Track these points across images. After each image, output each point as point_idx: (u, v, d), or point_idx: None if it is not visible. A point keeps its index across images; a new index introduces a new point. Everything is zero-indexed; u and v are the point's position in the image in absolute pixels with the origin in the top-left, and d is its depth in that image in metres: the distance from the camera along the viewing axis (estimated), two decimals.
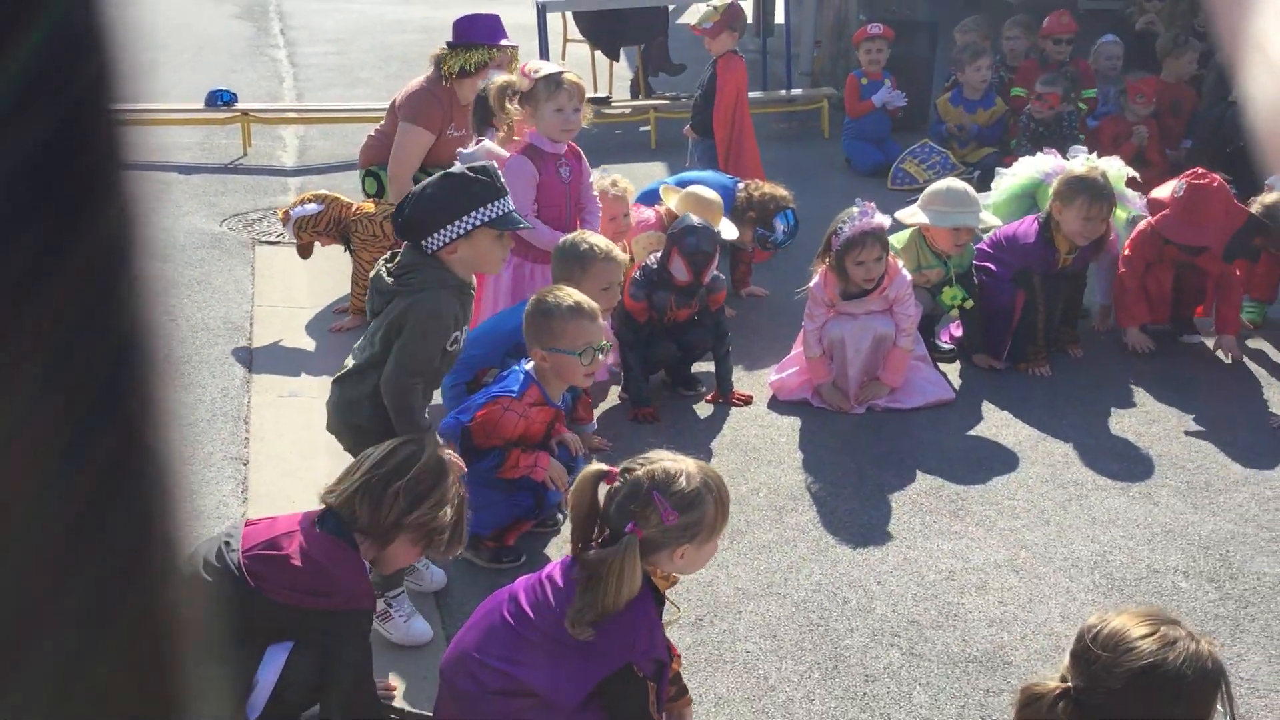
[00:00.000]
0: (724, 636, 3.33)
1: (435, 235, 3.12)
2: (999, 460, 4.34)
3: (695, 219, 4.63)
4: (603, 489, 2.53)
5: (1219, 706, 2.05)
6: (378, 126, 6.11)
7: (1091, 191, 4.84)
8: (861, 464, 4.31)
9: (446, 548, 2.76)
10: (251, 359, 5.00)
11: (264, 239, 6.66)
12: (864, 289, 4.56)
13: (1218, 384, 5.02)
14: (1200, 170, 5.07)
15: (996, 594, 3.54)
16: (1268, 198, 5.09)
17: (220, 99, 8.46)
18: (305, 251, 5.55)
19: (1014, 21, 8.20)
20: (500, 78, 4.54)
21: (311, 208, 5.36)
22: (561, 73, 4.38)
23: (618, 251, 4.06)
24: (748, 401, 4.72)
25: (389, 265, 3.24)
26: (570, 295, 3.48)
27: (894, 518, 3.94)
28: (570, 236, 4.11)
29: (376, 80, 11.06)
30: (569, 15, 9.92)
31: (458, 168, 3.35)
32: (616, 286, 4.08)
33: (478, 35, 5.62)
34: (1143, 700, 2.03)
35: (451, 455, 2.93)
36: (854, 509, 4.00)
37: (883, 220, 4.51)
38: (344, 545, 2.60)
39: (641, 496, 2.43)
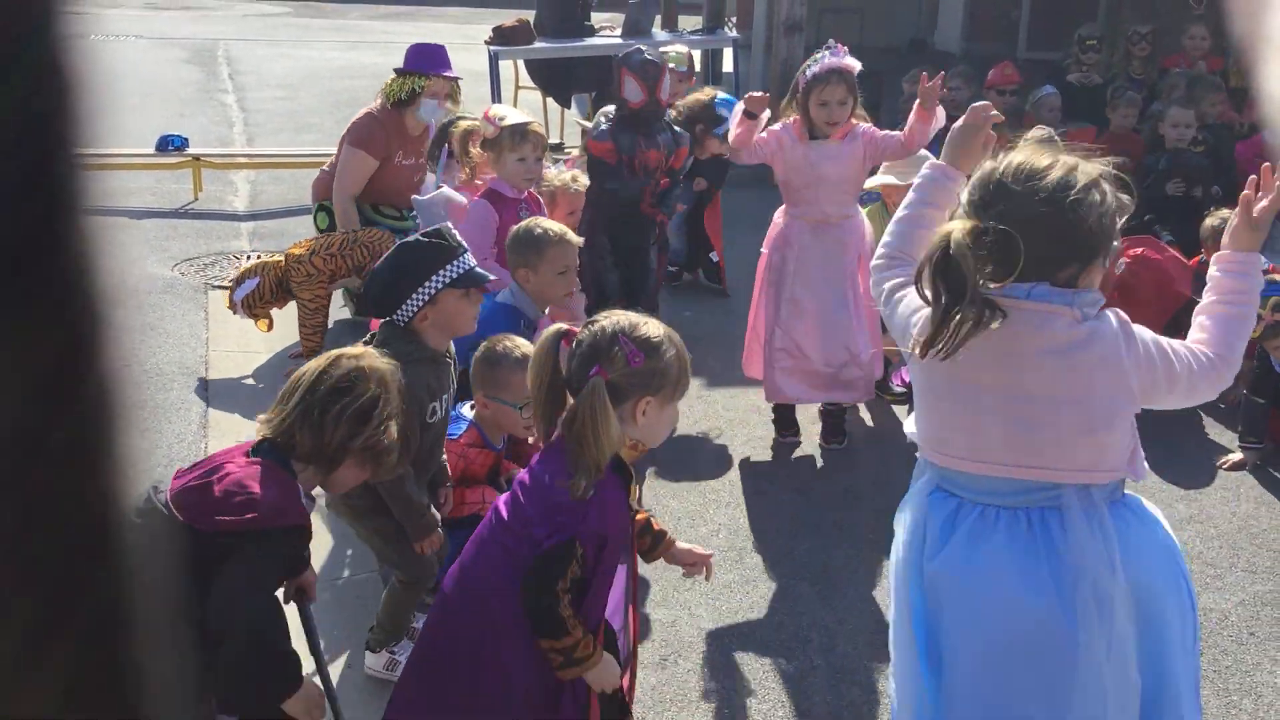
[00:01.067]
0: (688, 676, 3.36)
1: (402, 308, 3.11)
2: None
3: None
4: (564, 353, 2.47)
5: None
6: (330, 161, 6.14)
7: None
8: (819, 503, 4.37)
9: (396, 465, 2.68)
10: (208, 404, 4.98)
11: (216, 283, 6.63)
12: (826, 133, 4.47)
13: (1163, 422, 5.15)
14: (1140, 248, 5.25)
15: None
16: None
17: (171, 144, 8.44)
18: (267, 326, 5.55)
19: (956, 72, 8.40)
20: (464, 122, 4.59)
21: (249, 284, 5.37)
22: (527, 123, 4.44)
23: (571, 235, 4.04)
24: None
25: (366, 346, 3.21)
26: (520, 347, 3.45)
27: (852, 556, 4.00)
28: (523, 223, 4.08)
29: (327, 125, 11.08)
30: (520, 62, 10.02)
31: (411, 237, 3.34)
32: (573, 271, 4.04)
33: (422, 64, 5.72)
34: (1058, 222, 2.09)
35: None
36: (813, 548, 4.05)
37: (852, 62, 4.45)
38: (275, 467, 2.48)
39: (606, 340, 2.41)
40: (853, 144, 4.47)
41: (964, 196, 2.18)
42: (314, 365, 2.59)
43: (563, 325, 2.51)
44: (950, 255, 2.04)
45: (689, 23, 14.88)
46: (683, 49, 6.54)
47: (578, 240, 4.04)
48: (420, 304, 3.09)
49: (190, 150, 8.57)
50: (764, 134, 4.46)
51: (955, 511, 2.23)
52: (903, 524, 2.40)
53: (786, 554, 4.01)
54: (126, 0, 25.31)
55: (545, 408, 2.46)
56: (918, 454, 2.43)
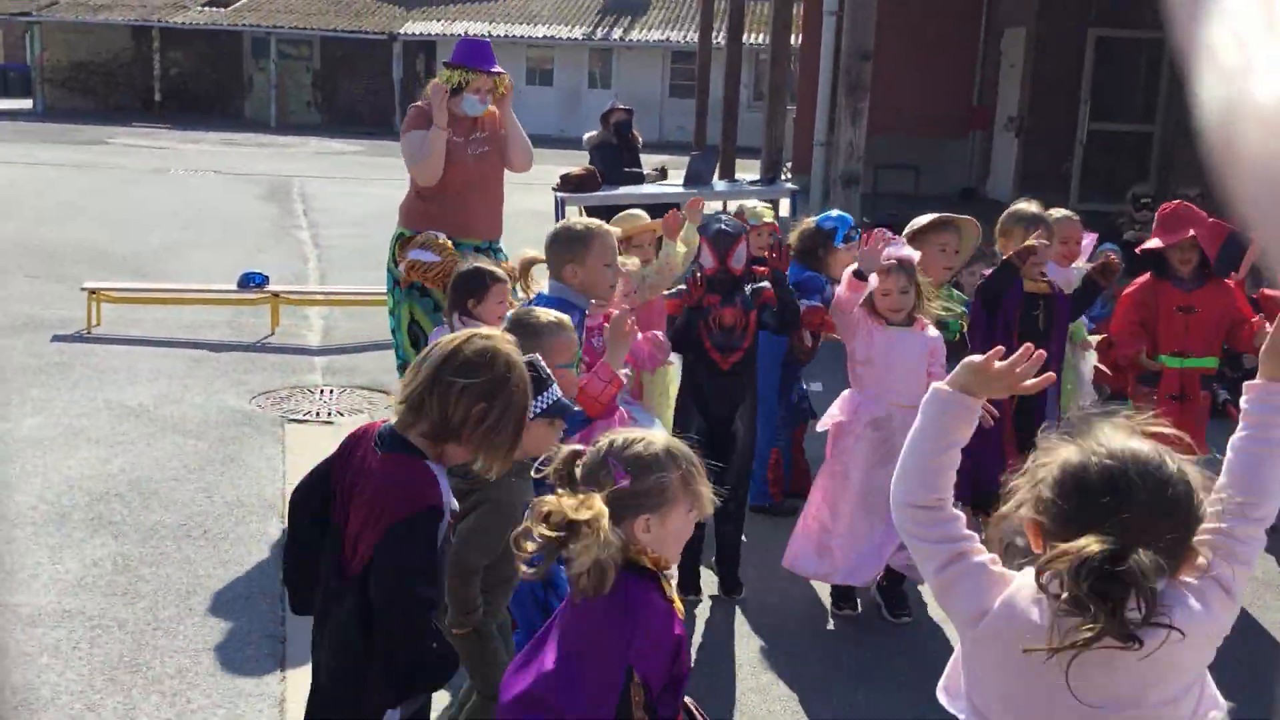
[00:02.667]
0: None
1: None
2: None
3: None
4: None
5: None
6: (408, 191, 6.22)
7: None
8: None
9: (505, 457, 2.64)
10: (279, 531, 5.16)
11: (293, 416, 6.88)
12: (891, 320, 4.53)
13: None
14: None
15: None
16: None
17: (253, 281, 8.81)
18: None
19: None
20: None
21: (428, 256, 5.44)
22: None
23: (609, 226, 4.16)
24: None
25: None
26: (542, 314, 3.52)
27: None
28: (561, 223, 4.23)
29: None
30: (583, 207, 10.41)
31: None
32: (617, 264, 4.05)
33: (467, 59, 5.82)
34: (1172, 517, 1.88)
35: None
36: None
37: (911, 253, 4.54)
38: (401, 458, 2.55)
39: (598, 461, 2.37)
40: (924, 337, 4.55)
41: (1051, 493, 1.93)
42: (447, 340, 2.63)
43: (577, 446, 2.49)
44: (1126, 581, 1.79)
45: (744, 167, 15.36)
46: (764, 204, 6.80)
47: (617, 230, 4.16)
48: None
49: (270, 287, 8.93)
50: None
51: None
52: None
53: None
54: (205, 136, 26.46)
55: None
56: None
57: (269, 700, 3.82)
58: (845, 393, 4.73)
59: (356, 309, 9.37)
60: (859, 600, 4.75)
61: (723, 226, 4.76)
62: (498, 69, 5.89)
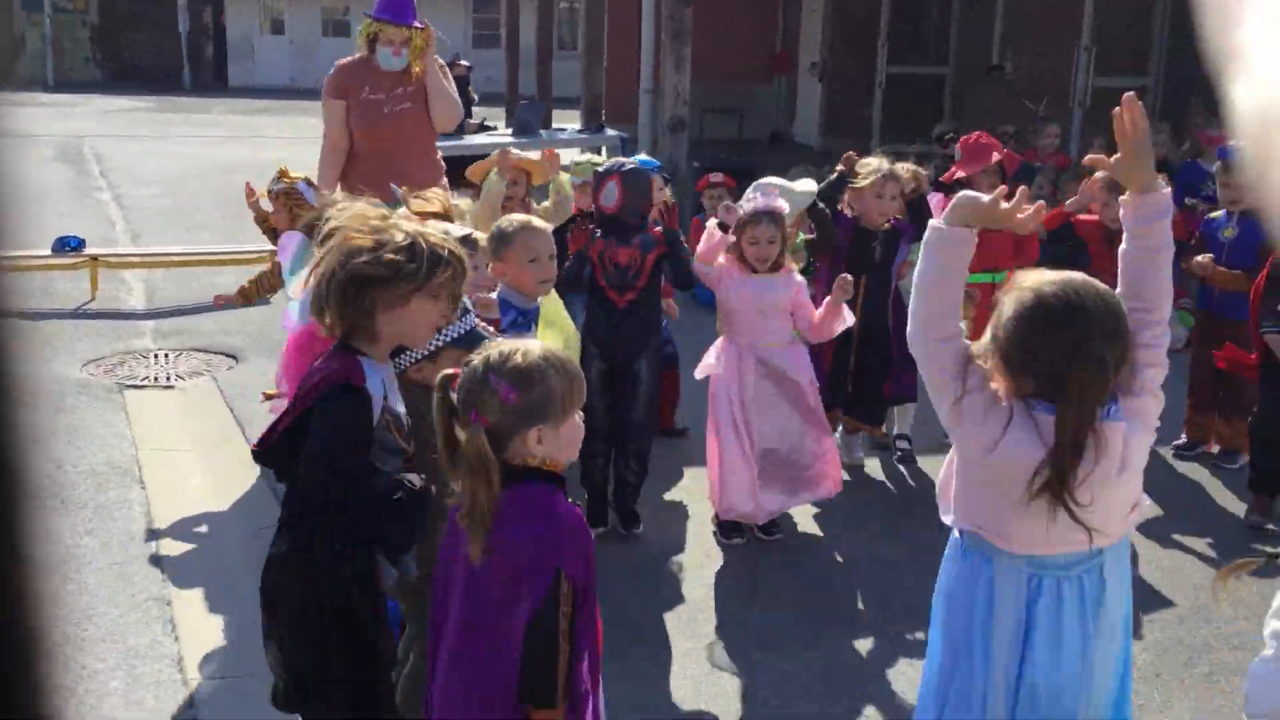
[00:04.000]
0: None
1: (400, 357, 3.11)
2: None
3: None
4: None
5: None
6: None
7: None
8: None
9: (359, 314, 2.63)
10: (149, 501, 5.03)
11: (130, 383, 6.65)
12: (757, 269, 4.69)
13: None
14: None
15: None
16: None
17: (68, 244, 8.41)
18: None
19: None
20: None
21: (310, 194, 5.25)
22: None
23: (538, 221, 4.14)
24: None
25: None
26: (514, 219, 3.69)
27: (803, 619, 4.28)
28: (499, 220, 4.23)
29: (217, 223, 11.11)
30: None
31: None
32: (544, 258, 4.03)
33: (381, 11, 5.70)
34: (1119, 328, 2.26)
35: None
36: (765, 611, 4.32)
37: (781, 204, 4.70)
38: (337, 353, 2.62)
39: (478, 382, 2.32)
40: (789, 283, 4.73)
41: (1008, 315, 2.28)
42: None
43: (449, 371, 2.43)
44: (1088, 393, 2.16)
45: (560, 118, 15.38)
46: (595, 158, 6.88)
47: (545, 225, 4.11)
48: (418, 358, 3.11)
49: (88, 251, 8.55)
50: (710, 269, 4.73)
51: (1037, 587, 2.37)
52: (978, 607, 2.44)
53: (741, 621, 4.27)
54: None
55: (452, 459, 2.37)
56: (958, 538, 2.53)
57: (166, 660, 3.76)
58: (718, 340, 4.87)
59: (177, 271, 9.07)
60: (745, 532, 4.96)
61: (633, 166, 4.81)
62: (417, 23, 5.74)
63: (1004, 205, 2.41)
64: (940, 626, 2.57)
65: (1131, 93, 2.40)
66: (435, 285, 2.62)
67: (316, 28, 32.28)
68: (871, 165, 5.42)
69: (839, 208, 5.46)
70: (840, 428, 5.57)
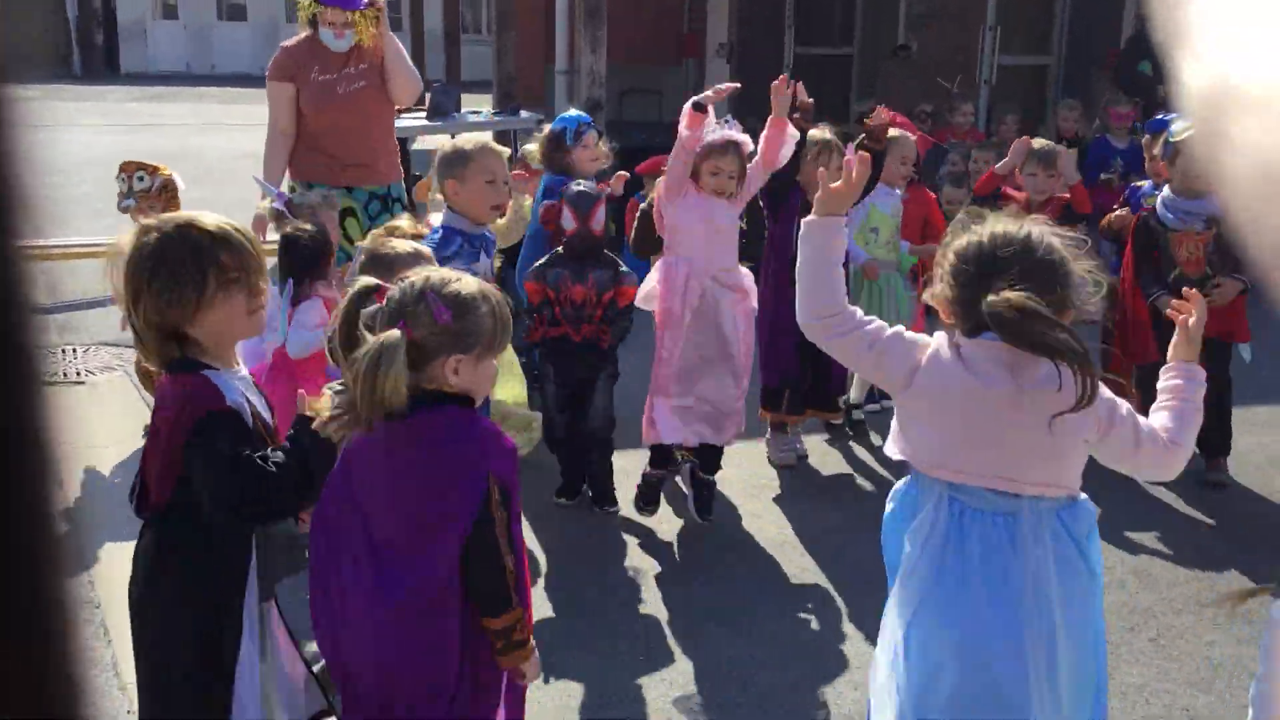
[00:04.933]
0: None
1: None
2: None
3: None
4: (374, 310, 2.37)
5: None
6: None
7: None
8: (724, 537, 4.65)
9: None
10: (69, 499, 4.85)
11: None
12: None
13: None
14: None
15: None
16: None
17: None
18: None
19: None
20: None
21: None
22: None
23: (495, 144, 4.16)
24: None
25: None
26: (398, 246, 3.44)
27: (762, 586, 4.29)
28: (449, 141, 4.15)
29: (117, 211, 10.74)
30: None
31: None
32: (501, 181, 3.96)
33: None
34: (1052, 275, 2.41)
35: None
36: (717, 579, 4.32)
37: (746, 139, 4.68)
38: (175, 377, 2.46)
39: (413, 297, 2.32)
40: (736, 206, 4.73)
41: (952, 266, 2.46)
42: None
43: (374, 280, 2.42)
44: (1026, 320, 2.28)
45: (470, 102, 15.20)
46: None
47: (503, 149, 4.09)
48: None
49: None
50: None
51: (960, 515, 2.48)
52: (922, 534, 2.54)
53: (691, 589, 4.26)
54: None
55: (348, 344, 2.34)
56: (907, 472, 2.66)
57: (101, 665, 3.64)
58: (659, 263, 4.77)
59: (79, 262, 8.74)
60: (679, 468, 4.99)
61: (582, 188, 4.73)
62: (360, 2, 5.51)
63: (834, 185, 2.62)
64: (888, 568, 2.69)
65: (1196, 290, 2.67)
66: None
67: (211, 11, 31.44)
68: (815, 136, 5.45)
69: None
70: (770, 430, 5.56)
